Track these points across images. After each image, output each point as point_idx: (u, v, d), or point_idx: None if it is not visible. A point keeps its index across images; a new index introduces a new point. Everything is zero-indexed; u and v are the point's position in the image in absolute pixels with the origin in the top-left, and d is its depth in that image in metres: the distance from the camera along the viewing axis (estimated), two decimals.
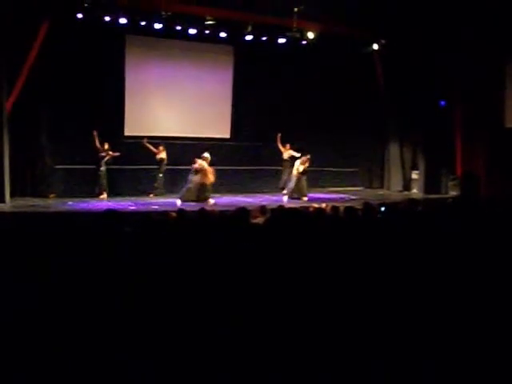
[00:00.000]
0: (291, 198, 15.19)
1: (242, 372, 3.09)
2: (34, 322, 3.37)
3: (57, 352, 3.12)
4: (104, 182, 14.59)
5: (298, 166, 15.39)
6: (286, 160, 16.46)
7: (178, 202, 13.47)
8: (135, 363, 3.08)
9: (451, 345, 3.35)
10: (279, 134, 16.29)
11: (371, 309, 3.73)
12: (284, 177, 16.51)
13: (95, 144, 14.36)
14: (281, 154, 16.46)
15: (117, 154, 14.56)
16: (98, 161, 14.45)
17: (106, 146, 14.46)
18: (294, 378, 3.07)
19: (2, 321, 3.37)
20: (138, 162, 15.17)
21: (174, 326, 3.40)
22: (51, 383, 2.99)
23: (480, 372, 3.14)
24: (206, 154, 14.11)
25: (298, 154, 16.11)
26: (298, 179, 15.33)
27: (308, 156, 15.35)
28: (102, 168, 14.50)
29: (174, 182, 15.65)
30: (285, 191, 16.04)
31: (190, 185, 13.91)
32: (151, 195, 15.10)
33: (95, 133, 14.34)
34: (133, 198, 14.52)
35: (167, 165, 15.31)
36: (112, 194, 14.70)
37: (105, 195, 14.54)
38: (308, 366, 3.15)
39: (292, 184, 15.44)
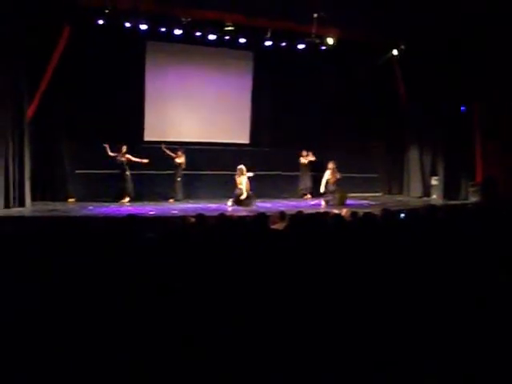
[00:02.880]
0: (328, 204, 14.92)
1: (244, 372, 3.09)
2: (40, 323, 3.39)
3: (59, 352, 3.13)
4: (129, 186, 14.68)
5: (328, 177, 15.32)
6: (303, 164, 16.61)
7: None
8: (137, 363, 3.09)
9: (464, 347, 3.34)
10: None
11: (386, 313, 3.72)
12: (303, 180, 16.67)
13: (108, 154, 14.39)
14: (298, 158, 16.59)
15: (146, 160, 14.63)
16: (121, 165, 14.54)
17: (124, 150, 14.53)
18: (296, 378, 3.07)
19: (6, 321, 3.39)
20: (158, 167, 15.19)
21: (184, 329, 3.41)
22: (53, 383, 3.01)
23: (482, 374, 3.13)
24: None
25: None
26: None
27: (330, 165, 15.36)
28: (127, 172, 14.59)
29: (193, 187, 15.73)
30: (308, 195, 16.63)
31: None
32: (171, 200, 15.17)
33: (106, 145, 14.36)
34: (152, 203, 14.60)
35: (184, 170, 15.37)
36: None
37: (127, 199, 14.62)
38: (311, 366, 3.15)
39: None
